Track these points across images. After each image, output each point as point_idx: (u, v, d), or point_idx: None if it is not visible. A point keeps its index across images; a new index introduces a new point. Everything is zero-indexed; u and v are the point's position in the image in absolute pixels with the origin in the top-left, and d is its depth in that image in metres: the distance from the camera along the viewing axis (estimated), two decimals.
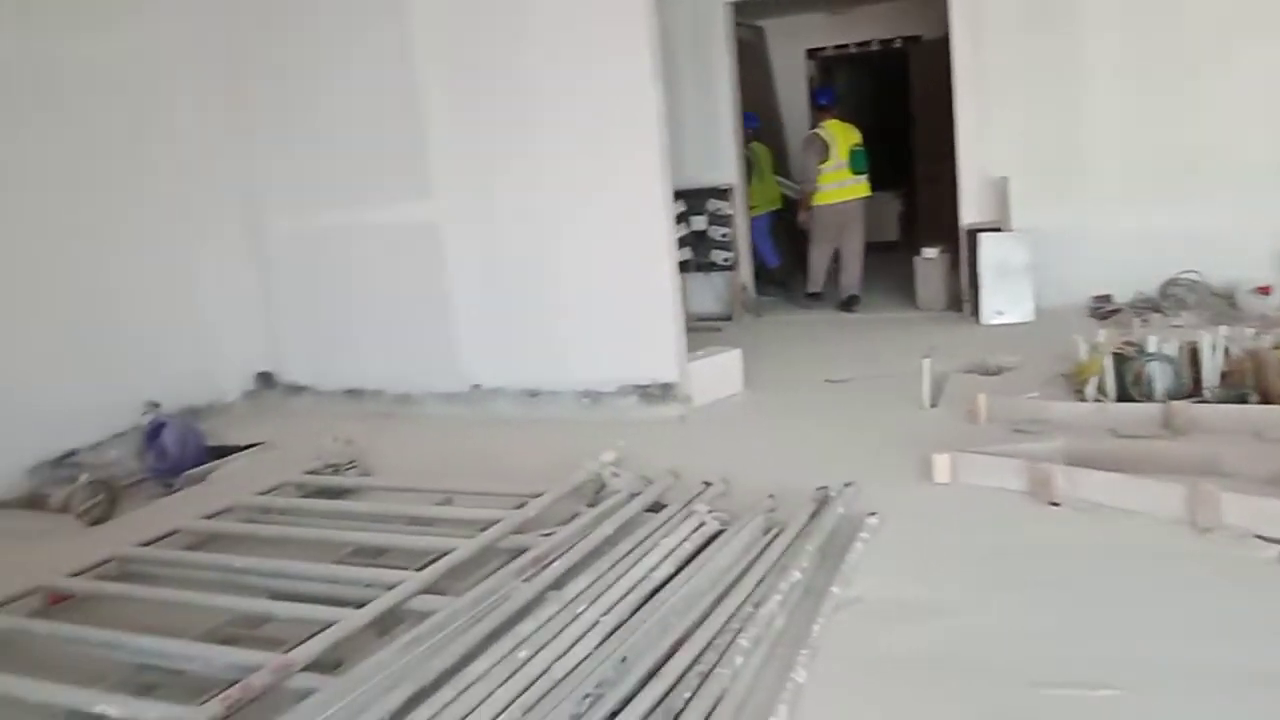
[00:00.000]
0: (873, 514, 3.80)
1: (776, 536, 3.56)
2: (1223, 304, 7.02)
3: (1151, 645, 2.85)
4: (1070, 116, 7.50)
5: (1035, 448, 4.26)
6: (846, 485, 4.02)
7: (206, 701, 2.66)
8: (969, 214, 7.75)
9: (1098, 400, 5.05)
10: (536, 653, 2.80)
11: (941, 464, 4.21)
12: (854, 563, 3.46)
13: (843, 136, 8.52)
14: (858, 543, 3.59)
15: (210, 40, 6.49)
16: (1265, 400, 4.76)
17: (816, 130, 8.58)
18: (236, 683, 2.72)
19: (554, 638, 2.87)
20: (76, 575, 3.84)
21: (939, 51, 8.05)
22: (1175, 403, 4.65)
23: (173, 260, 6.35)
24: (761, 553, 3.43)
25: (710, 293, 8.57)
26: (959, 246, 7.81)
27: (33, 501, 5.09)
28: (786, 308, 8.91)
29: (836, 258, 8.72)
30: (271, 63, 6.39)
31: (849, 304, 8.54)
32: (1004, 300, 7.36)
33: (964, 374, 6.07)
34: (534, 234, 5.88)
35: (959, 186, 7.80)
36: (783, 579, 3.21)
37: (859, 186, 8.61)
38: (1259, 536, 3.43)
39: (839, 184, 8.50)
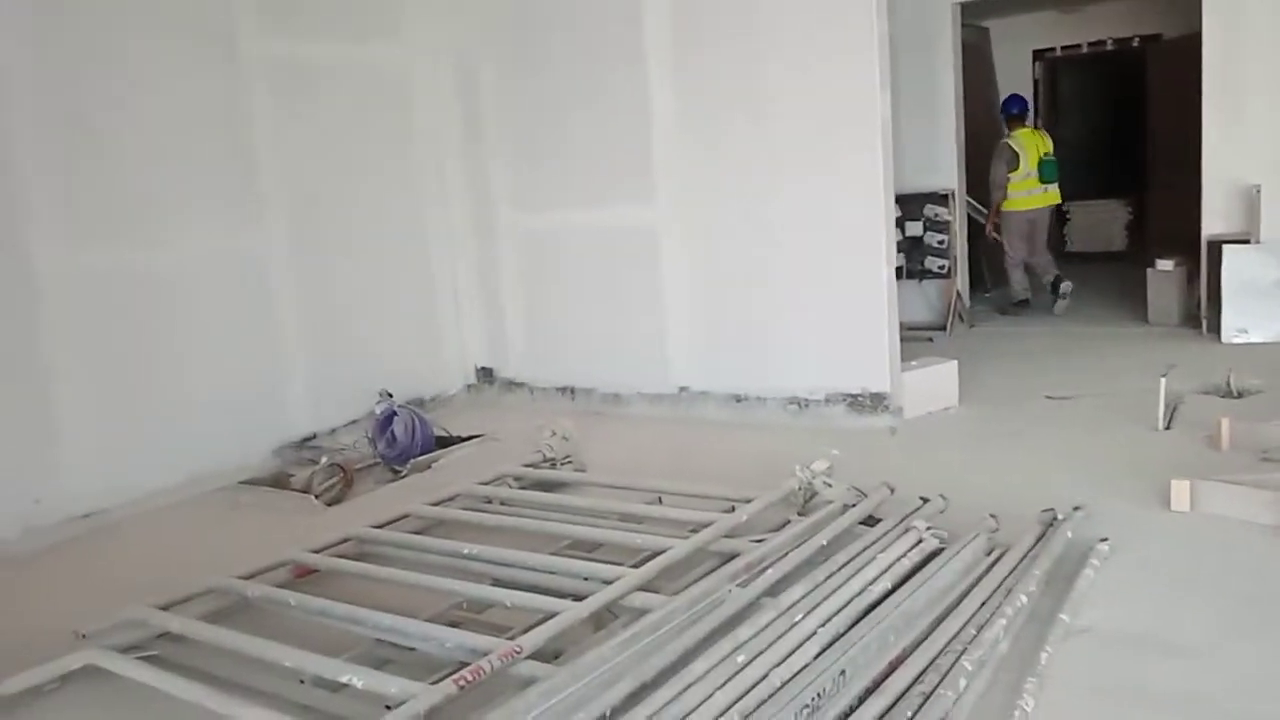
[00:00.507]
0: (1104, 540, 3.61)
1: (1000, 558, 3.44)
2: None
3: None
4: None
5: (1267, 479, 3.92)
6: (1075, 509, 3.83)
7: (440, 680, 2.82)
8: (1212, 224, 7.21)
9: None
10: (755, 658, 2.82)
11: (1180, 491, 3.95)
12: (1084, 590, 3.30)
13: (1032, 145, 8.51)
14: (1088, 569, 3.42)
15: (445, 56, 6.84)
16: None
17: (1007, 140, 8.50)
18: (465, 664, 2.87)
19: (771, 645, 2.88)
20: (318, 551, 4.15)
21: (1182, 50, 7.56)
22: None
23: (407, 261, 6.77)
24: (985, 574, 3.32)
25: (923, 301, 8.35)
26: (1197, 258, 7.28)
27: (278, 480, 5.54)
28: (1001, 318, 8.57)
29: (1028, 269, 8.73)
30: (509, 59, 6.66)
31: (1056, 286, 8.59)
32: (1248, 318, 6.81)
33: (1201, 395, 5.67)
34: (749, 238, 5.90)
35: (1203, 194, 7.27)
36: (1008, 603, 3.10)
37: (1049, 195, 8.66)
38: None
39: (1028, 192, 8.51)
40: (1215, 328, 6.97)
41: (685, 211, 6.10)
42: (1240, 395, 5.61)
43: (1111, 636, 3.06)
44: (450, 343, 7.00)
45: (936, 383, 5.86)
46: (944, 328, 7.98)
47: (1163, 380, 5.05)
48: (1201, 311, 7.20)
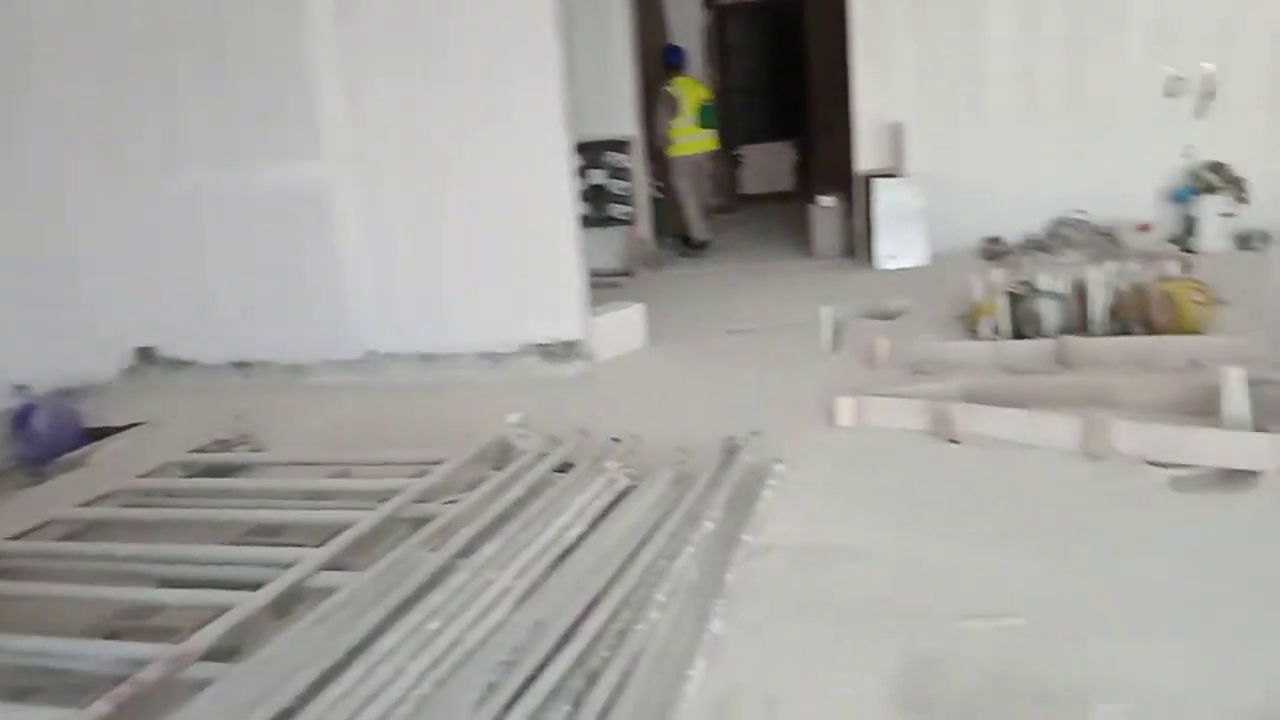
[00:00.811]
0: (780, 460, 3.80)
1: (687, 490, 3.52)
2: (1106, 242, 7.24)
3: (1053, 572, 2.91)
4: (964, 63, 7.60)
5: (935, 388, 4.31)
6: (753, 434, 4.00)
7: (93, 702, 2.49)
8: (865, 161, 7.81)
9: (993, 339, 5.15)
10: (448, 624, 2.71)
11: (845, 408, 4.23)
12: (764, 510, 3.46)
13: (692, 93, 8.91)
14: (767, 490, 3.58)
15: None
16: (1149, 332, 4.92)
17: (667, 87, 8.80)
18: (127, 679, 2.56)
19: (465, 607, 2.78)
20: None
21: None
22: (1066, 338, 4.77)
23: (36, 228, 5.94)
24: (673, 507, 3.38)
25: (608, 248, 8.44)
26: (854, 194, 7.87)
27: None
28: (683, 261, 8.86)
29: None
30: None
31: (700, 247, 9.01)
32: (898, 245, 7.45)
33: (862, 319, 6.13)
34: (428, 191, 5.69)
35: (854, 133, 7.85)
36: (694, 530, 3.17)
37: (708, 140, 9.09)
38: (1149, 462, 3.53)
39: (689, 137, 8.88)
40: (871, 256, 7.57)
41: (357, 165, 5.76)
42: (895, 316, 6.13)
43: (792, 550, 3.22)
44: (102, 322, 6.24)
45: (625, 327, 5.95)
46: (630, 273, 8.14)
47: (825, 309, 5.40)
48: (859, 242, 7.80)
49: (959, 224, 7.60)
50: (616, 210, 8.21)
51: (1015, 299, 5.28)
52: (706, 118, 8.96)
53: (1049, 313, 5.19)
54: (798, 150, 12.03)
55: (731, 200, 12.01)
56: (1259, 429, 3.49)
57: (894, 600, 2.86)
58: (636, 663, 2.52)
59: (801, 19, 11.27)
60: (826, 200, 8.14)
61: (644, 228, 8.50)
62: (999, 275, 5.39)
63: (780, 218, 10.33)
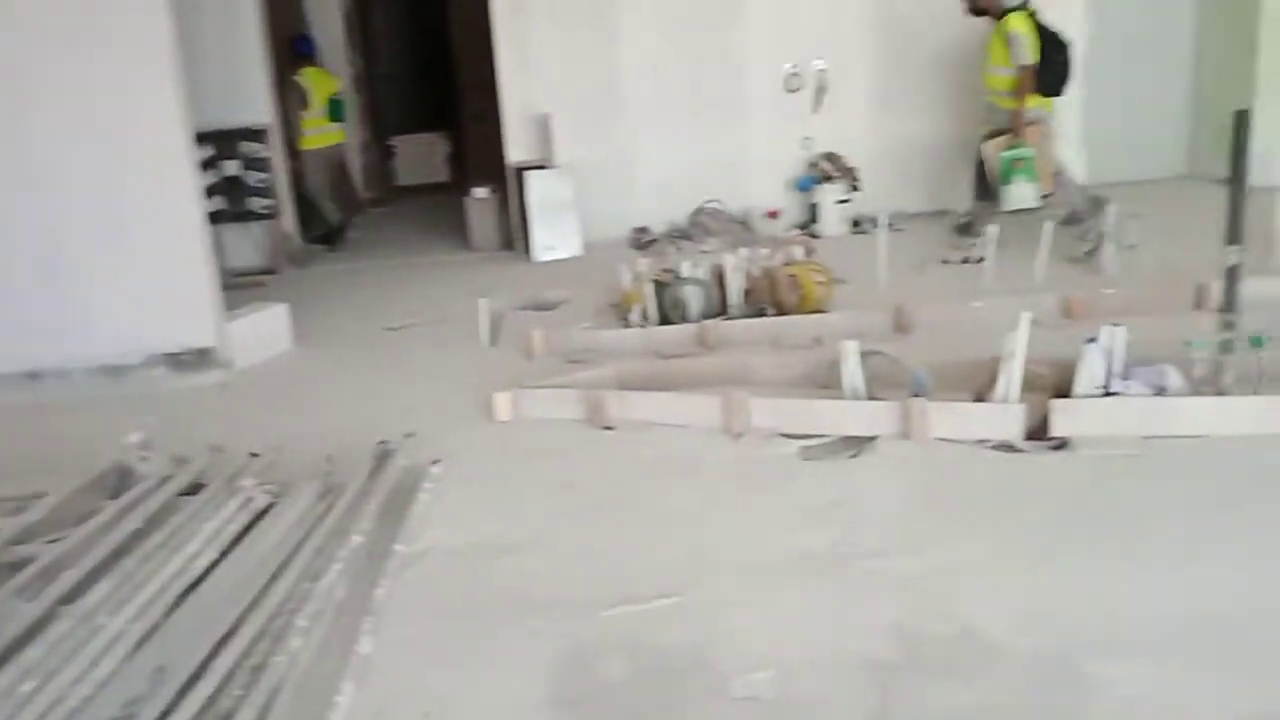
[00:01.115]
0: (436, 461, 3.68)
1: (335, 502, 3.30)
2: (741, 229, 7.75)
3: (701, 546, 3.02)
4: (606, 55, 7.79)
5: (588, 376, 4.37)
6: (407, 436, 3.85)
7: None
8: (515, 152, 7.81)
9: (642, 326, 5.32)
10: (46, 682, 2.34)
11: (502, 402, 4.18)
12: (419, 515, 3.33)
13: (321, 85, 8.67)
14: (422, 494, 3.45)
15: None
16: (780, 312, 5.30)
17: (295, 78, 8.46)
18: None
19: (68, 660, 2.42)
20: None
21: None
22: (706, 322, 5.02)
23: None
24: (319, 521, 3.16)
25: (250, 244, 7.88)
26: (508, 186, 7.86)
27: None
28: (335, 256, 8.45)
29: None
30: None
31: (332, 240, 8.80)
32: (554, 236, 7.54)
33: (520, 311, 6.13)
34: (26, 188, 4.95)
35: (504, 125, 7.83)
36: (342, 546, 2.98)
37: (337, 134, 8.93)
38: (783, 434, 3.78)
39: (319, 130, 8.66)
40: (528, 248, 7.60)
41: None
42: (553, 307, 6.18)
43: (447, 553, 3.11)
44: None
45: (268, 329, 5.54)
46: (275, 270, 7.63)
47: (482, 302, 5.32)
48: (515, 234, 7.81)
49: (610, 214, 7.82)
50: (255, 204, 7.65)
51: (660, 287, 5.49)
52: (336, 111, 8.72)
53: (692, 298, 5.44)
54: (451, 141, 11.87)
55: (386, 193, 11.66)
56: (872, 398, 3.84)
57: (550, 593, 2.84)
58: (275, 697, 2.31)
59: (445, 5, 11.11)
60: (481, 192, 8.08)
61: (289, 222, 8.00)
62: (645, 264, 5.58)
63: (437, 210, 10.15)
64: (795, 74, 7.82)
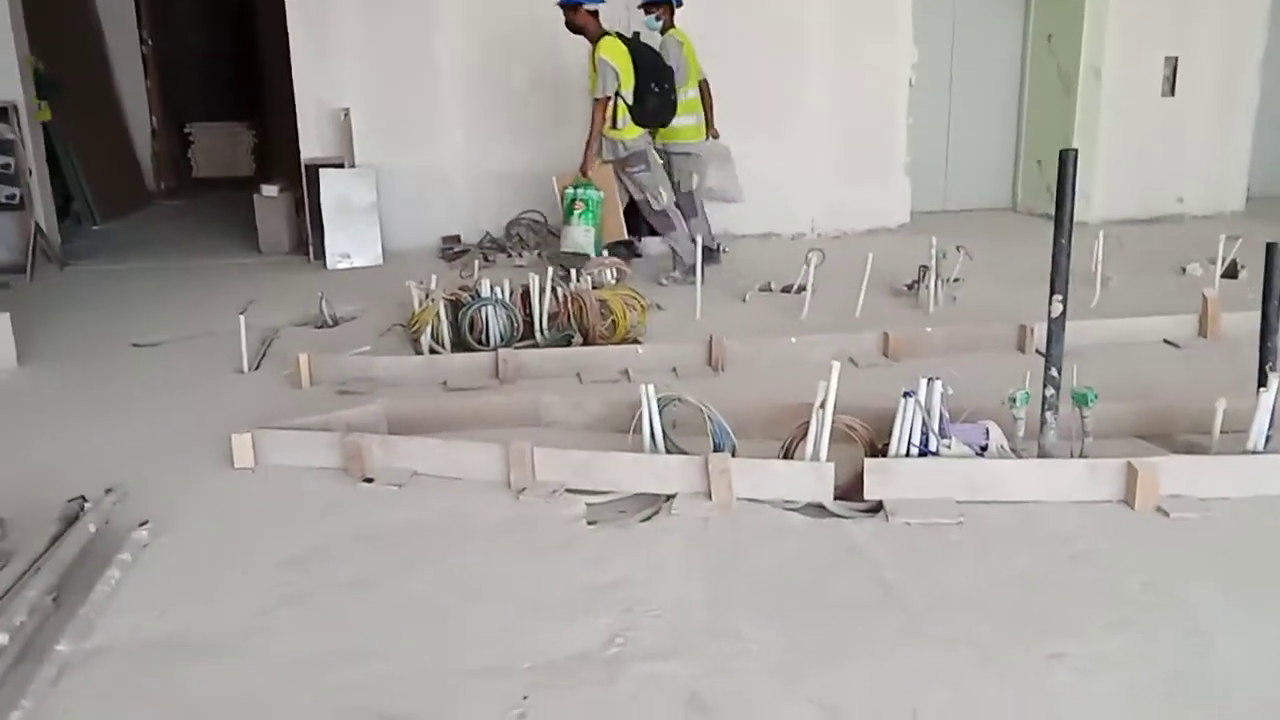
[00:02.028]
0: (144, 524, 2.99)
1: None
2: (558, 242, 7.25)
3: (451, 647, 2.47)
4: (419, 46, 7.14)
5: (352, 414, 3.76)
6: (109, 491, 3.14)
7: None
8: (310, 148, 7.08)
9: (433, 351, 4.74)
10: None
11: (242, 445, 3.52)
12: (101, 599, 2.64)
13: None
14: (114, 569, 2.77)
15: None
16: (587, 341, 4.82)
17: None
18: None
19: None
20: None
21: None
22: (503, 350, 4.48)
23: None
24: None
25: (2, 240, 6.84)
26: (304, 184, 7.12)
27: None
28: (104, 256, 7.47)
29: None
30: None
31: None
32: (349, 242, 6.84)
33: (298, 327, 5.44)
34: None
35: (298, 117, 7.09)
36: None
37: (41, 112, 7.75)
38: (571, 490, 3.28)
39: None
40: (322, 254, 6.88)
41: None
42: (335, 324, 5.51)
43: (131, 653, 2.46)
44: None
45: None
46: (24, 269, 6.63)
47: (241, 318, 4.61)
48: (309, 239, 7.07)
49: (419, 222, 7.21)
50: (1, 193, 6.63)
51: (456, 307, 4.93)
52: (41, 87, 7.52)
53: (492, 321, 4.91)
54: (256, 132, 10.92)
55: (180, 185, 10.61)
56: (671, 449, 3.39)
57: (248, 705, 2.23)
58: None
59: None
60: (270, 190, 7.30)
61: (42, 213, 6.99)
62: (439, 281, 4.98)
63: (234, 206, 9.20)
64: None
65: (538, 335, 5.02)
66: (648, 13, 6.42)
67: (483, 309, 4.91)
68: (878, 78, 7.62)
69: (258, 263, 7.15)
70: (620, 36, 5.92)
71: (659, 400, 3.41)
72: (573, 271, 5.19)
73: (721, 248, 6.70)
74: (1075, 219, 3.23)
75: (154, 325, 5.53)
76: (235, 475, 3.48)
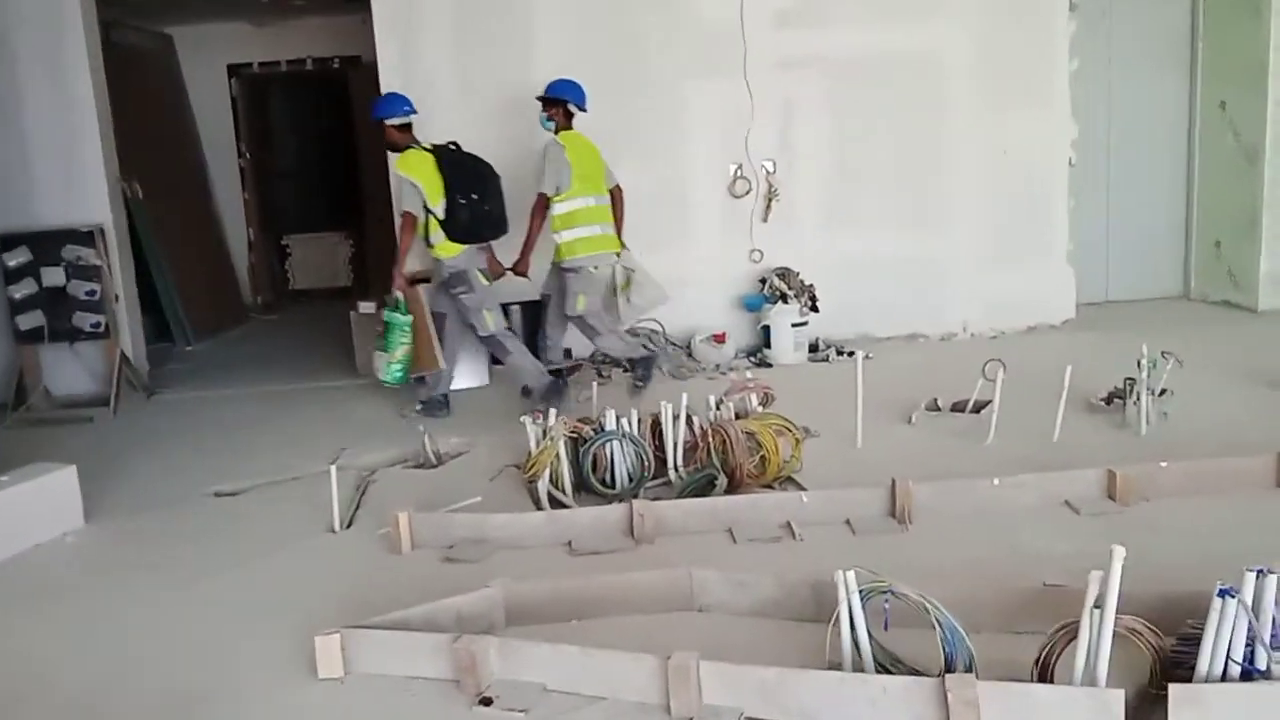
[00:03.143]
0: None
1: None
2: (681, 353, 6.53)
3: None
4: (518, 152, 6.58)
5: (464, 601, 3.00)
6: None
7: None
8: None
9: (553, 501, 4.00)
10: None
11: (328, 650, 2.79)
12: None
13: None
14: None
15: None
16: (732, 483, 4.02)
17: None
18: None
19: None
20: None
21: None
22: (638, 503, 3.69)
23: None
24: None
25: (82, 369, 6.43)
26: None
27: None
28: (196, 381, 7.00)
29: None
30: None
31: None
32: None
33: (398, 468, 4.78)
34: None
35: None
36: None
37: None
38: (750, 719, 2.46)
39: None
40: (421, 376, 6.25)
41: None
42: (440, 462, 4.83)
43: None
44: None
45: (45, 503, 4.08)
46: (109, 402, 6.16)
47: (333, 469, 3.94)
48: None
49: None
50: (84, 320, 6.22)
51: (579, 444, 4.20)
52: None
53: (619, 458, 4.17)
54: (353, 241, 10.58)
55: (277, 298, 10.29)
56: (884, 660, 2.54)
57: None
58: None
59: (347, 91, 9.94)
60: (367, 307, 6.74)
61: (130, 341, 6.56)
62: (557, 416, 4.26)
63: (333, 320, 8.74)
64: (742, 177, 6.69)
65: (672, 474, 4.26)
66: (544, 109, 5.77)
67: (607, 445, 4.18)
68: (1032, 156, 6.79)
69: (354, 386, 6.57)
70: (436, 148, 5.44)
71: (862, 592, 2.58)
72: (551, 412, 4.32)
73: (565, 373, 6.03)
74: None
75: (240, 463, 4.95)
76: (320, 689, 2.75)
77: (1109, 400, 4.84)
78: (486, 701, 2.61)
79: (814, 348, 6.57)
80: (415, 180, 5.35)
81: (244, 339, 8.80)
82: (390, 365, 5.49)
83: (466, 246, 5.46)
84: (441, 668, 2.72)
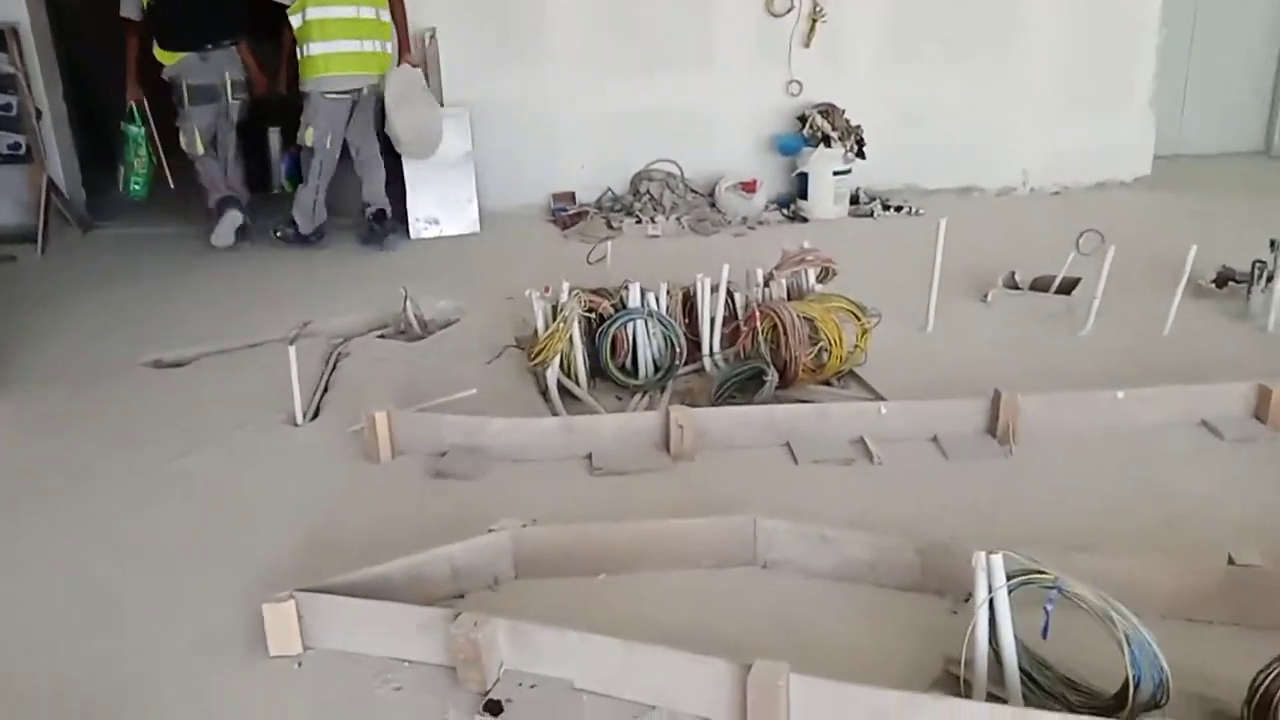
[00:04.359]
0: None
1: None
2: (703, 202, 5.67)
3: None
4: None
5: (460, 550, 2.29)
6: None
7: None
8: None
9: (566, 393, 3.27)
10: None
11: (280, 620, 2.09)
12: None
13: None
14: None
15: None
16: (783, 378, 3.28)
17: None
18: None
19: None
20: None
21: None
22: (675, 410, 2.93)
23: None
24: None
25: (5, 198, 5.50)
26: None
27: None
28: (144, 212, 6.06)
29: None
30: None
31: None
32: (437, 204, 5.35)
33: (377, 337, 4.01)
34: None
35: None
36: None
37: None
38: None
39: None
40: (404, 218, 5.39)
41: None
42: (426, 331, 4.05)
43: None
44: None
45: None
46: (37, 239, 5.27)
47: (291, 350, 3.14)
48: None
49: (521, 174, 5.70)
50: (1, 141, 5.25)
51: (598, 323, 3.43)
52: None
53: (643, 341, 3.41)
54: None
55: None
56: (1033, 679, 1.86)
57: None
58: None
59: None
60: None
61: (57, 165, 5.60)
62: (570, 294, 3.44)
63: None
64: None
65: (706, 361, 3.52)
66: None
67: (629, 324, 3.42)
68: None
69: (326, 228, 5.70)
70: None
71: (1010, 581, 1.87)
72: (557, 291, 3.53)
73: (386, 226, 5.21)
74: None
75: (187, 321, 4.17)
76: (270, 673, 2.06)
77: (1220, 283, 4.09)
78: (494, 708, 1.93)
79: (854, 199, 5.73)
80: None
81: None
82: (131, 178, 5.32)
83: (184, 54, 4.98)
84: (434, 650, 2.03)
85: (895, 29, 5.73)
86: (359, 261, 5.04)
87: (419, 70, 5.13)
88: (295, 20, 4.95)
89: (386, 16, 4.99)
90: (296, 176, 5.47)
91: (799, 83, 5.74)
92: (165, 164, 5.36)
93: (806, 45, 5.69)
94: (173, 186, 5.42)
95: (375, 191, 5.18)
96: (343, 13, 4.88)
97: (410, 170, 5.25)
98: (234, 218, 5.15)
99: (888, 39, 5.74)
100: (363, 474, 2.88)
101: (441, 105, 5.34)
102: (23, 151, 5.28)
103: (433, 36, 5.35)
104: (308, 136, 5.07)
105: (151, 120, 5.25)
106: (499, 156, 5.52)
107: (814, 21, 5.63)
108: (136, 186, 5.34)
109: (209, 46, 5.03)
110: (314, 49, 4.93)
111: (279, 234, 5.23)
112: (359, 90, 5.01)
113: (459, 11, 5.45)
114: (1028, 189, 6.04)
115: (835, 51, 5.70)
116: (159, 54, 5.01)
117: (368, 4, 4.93)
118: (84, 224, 5.62)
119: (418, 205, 5.28)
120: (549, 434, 2.94)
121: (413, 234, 5.31)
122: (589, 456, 2.90)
